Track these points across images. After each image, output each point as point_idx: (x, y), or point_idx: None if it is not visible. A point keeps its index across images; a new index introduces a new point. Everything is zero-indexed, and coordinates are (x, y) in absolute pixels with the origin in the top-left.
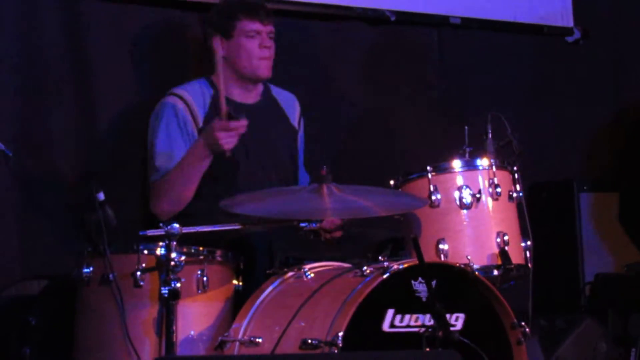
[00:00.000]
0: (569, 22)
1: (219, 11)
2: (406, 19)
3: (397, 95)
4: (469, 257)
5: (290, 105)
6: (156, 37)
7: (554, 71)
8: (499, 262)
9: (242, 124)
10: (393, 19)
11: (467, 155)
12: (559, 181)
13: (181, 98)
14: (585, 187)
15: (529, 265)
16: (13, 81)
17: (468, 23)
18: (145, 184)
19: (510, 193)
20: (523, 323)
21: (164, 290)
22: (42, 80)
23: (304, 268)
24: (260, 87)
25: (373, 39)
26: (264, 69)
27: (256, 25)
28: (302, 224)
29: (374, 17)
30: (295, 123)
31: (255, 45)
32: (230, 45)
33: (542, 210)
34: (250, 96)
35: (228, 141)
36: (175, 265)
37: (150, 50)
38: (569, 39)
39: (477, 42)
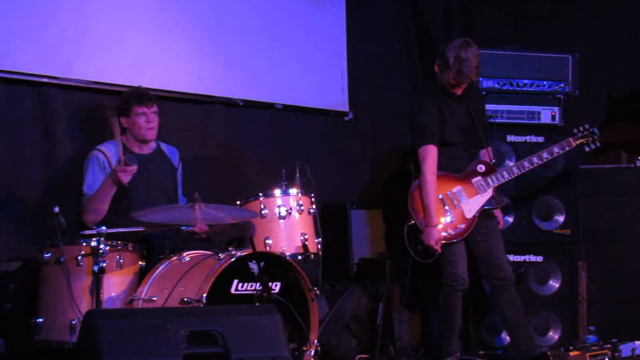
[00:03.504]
0: (346, 108)
1: (122, 100)
2: (249, 104)
3: (246, 151)
4: (283, 248)
5: (173, 154)
6: (84, 113)
7: (337, 140)
8: (302, 251)
9: (132, 168)
10: (241, 104)
11: (283, 187)
12: (338, 202)
13: (102, 151)
14: (354, 206)
15: (319, 253)
16: None
17: (286, 108)
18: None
19: (309, 210)
20: (315, 288)
21: (95, 268)
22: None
23: (183, 255)
24: (153, 144)
25: (229, 117)
26: (150, 133)
27: (143, 109)
28: (183, 227)
29: (229, 102)
30: (175, 164)
31: (143, 121)
32: (129, 120)
33: (328, 220)
34: (145, 149)
35: (125, 177)
36: (103, 252)
37: (81, 122)
38: (346, 119)
39: (292, 120)
